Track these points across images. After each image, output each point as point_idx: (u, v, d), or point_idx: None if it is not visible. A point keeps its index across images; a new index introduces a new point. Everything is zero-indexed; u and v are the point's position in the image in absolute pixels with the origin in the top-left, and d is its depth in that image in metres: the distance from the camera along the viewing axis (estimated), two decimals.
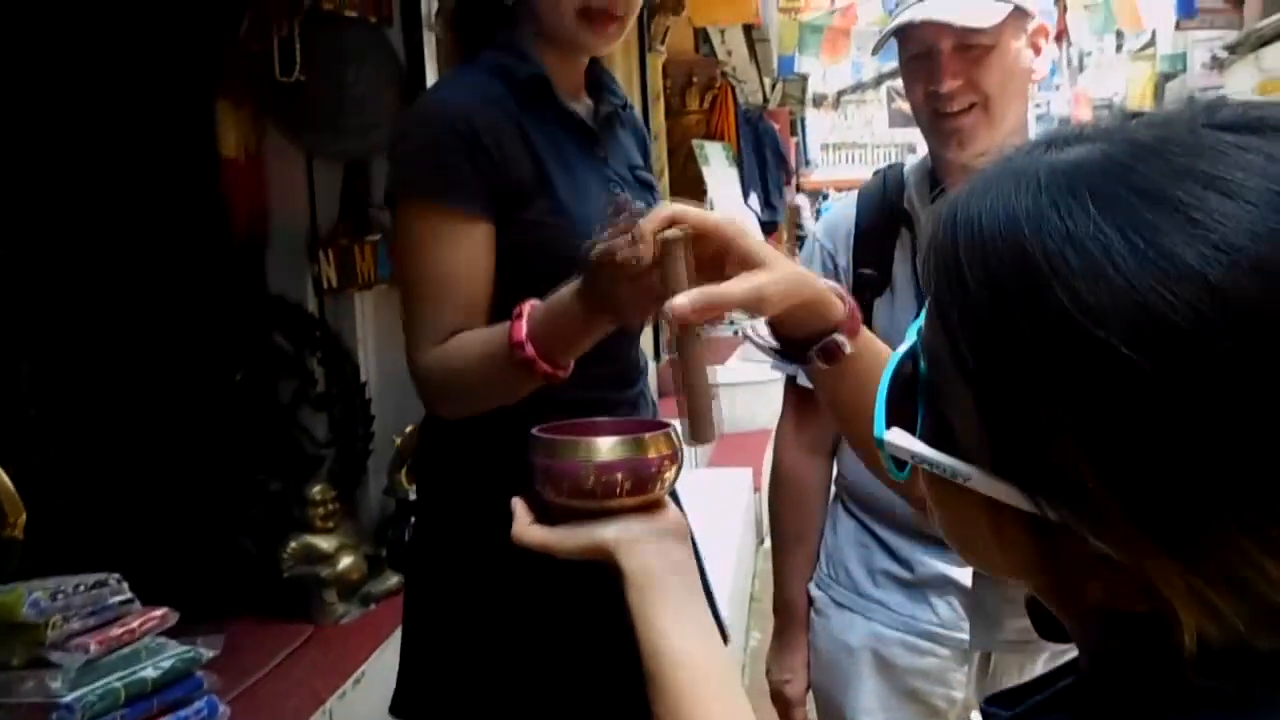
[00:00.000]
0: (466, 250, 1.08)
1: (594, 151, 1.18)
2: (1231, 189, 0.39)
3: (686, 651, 0.63)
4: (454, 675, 1.18)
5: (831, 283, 0.78)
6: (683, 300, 0.68)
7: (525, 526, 0.70)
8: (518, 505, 0.72)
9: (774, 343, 0.79)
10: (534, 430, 0.71)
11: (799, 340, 0.77)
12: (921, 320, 0.49)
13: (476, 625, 1.17)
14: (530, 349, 0.94)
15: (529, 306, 0.95)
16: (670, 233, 0.70)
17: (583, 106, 1.20)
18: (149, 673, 1.14)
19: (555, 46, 1.14)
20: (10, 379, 1.99)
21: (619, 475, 0.67)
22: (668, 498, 0.72)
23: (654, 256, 0.70)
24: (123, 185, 2.19)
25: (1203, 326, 0.37)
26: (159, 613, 1.17)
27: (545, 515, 0.71)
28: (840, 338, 0.75)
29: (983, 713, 0.52)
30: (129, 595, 1.15)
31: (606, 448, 0.68)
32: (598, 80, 1.23)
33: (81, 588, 1.11)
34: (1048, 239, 0.40)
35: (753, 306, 0.71)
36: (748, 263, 0.71)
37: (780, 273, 0.71)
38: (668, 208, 0.71)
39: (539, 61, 1.14)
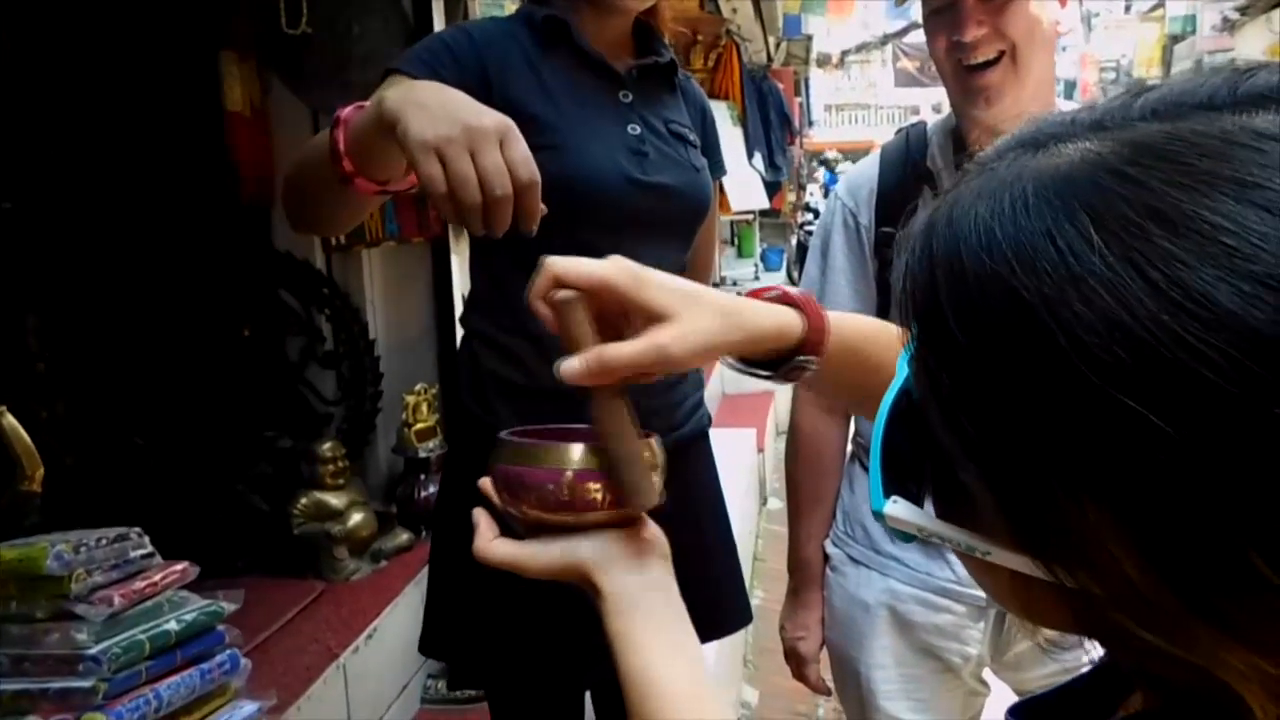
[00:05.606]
0: None
1: (616, 95, 1.22)
2: (1271, 200, 0.31)
3: (668, 677, 0.58)
4: (476, 616, 1.22)
5: (789, 293, 0.68)
6: (574, 364, 0.58)
7: (488, 542, 0.62)
8: (480, 517, 0.64)
9: (742, 366, 0.69)
10: (501, 434, 0.63)
11: (764, 364, 0.68)
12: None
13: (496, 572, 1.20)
14: (348, 163, 0.85)
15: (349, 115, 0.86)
16: (560, 295, 0.59)
17: (621, 62, 1.24)
18: (172, 626, 1.13)
19: (591, 5, 1.20)
20: (17, 333, 1.97)
21: (597, 486, 0.59)
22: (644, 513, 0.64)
23: (553, 321, 0.60)
24: (128, 139, 2.16)
25: (1249, 386, 0.30)
26: (180, 567, 1.17)
27: (510, 528, 0.63)
28: (803, 359, 0.66)
29: None
30: (150, 549, 1.15)
31: (581, 455, 0.60)
32: (644, 41, 1.29)
33: (103, 541, 1.10)
34: (1044, 279, 0.33)
35: (657, 366, 0.60)
36: (650, 316, 0.59)
37: (691, 325, 0.60)
38: (551, 266, 0.60)
39: (564, 9, 1.19)
